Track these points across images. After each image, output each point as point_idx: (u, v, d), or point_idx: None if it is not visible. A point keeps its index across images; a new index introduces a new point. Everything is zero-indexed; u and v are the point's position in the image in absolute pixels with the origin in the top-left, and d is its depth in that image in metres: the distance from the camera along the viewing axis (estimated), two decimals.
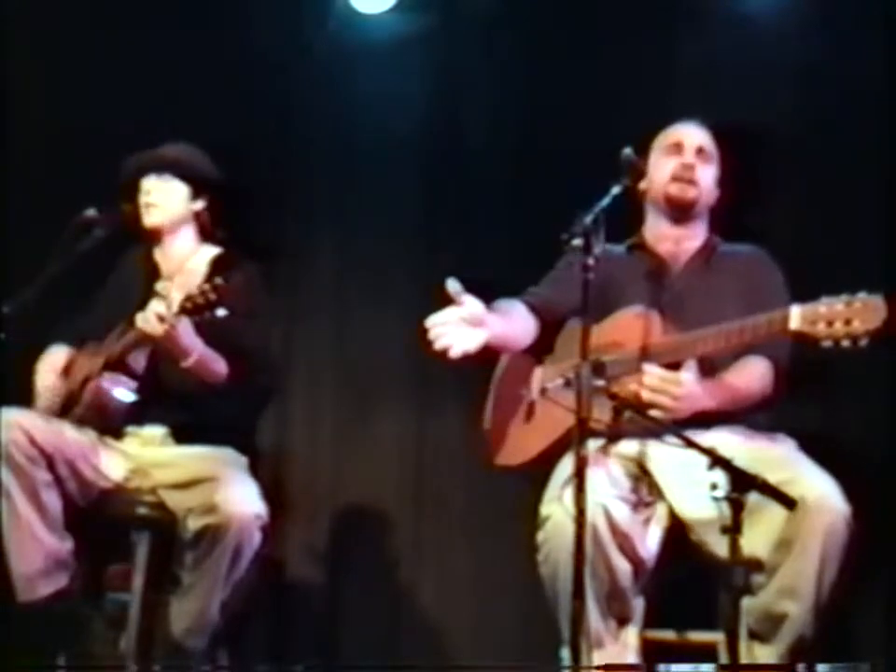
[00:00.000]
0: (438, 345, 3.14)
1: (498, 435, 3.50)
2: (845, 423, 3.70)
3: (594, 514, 3.01)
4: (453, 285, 3.14)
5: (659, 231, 3.54)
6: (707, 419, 3.19)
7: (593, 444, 2.97)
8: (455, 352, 3.13)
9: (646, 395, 3.12)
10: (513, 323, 3.40)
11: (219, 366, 3.62)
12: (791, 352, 3.27)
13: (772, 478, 2.75)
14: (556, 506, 3.09)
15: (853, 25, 3.83)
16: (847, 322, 2.86)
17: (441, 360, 3.13)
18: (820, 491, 3.01)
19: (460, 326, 3.16)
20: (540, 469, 3.29)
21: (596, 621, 3.09)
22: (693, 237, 3.53)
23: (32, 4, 4.35)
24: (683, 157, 3.50)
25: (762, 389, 3.29)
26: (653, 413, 3.09)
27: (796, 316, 2.96)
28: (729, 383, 3.24)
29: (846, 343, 2.87)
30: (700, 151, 3.52)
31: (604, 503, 3.07)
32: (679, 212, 3.50)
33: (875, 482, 3.47)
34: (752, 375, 3.28)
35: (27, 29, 4.35)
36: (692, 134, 3.54)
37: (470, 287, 3.15)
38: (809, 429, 3.38)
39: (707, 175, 3.52)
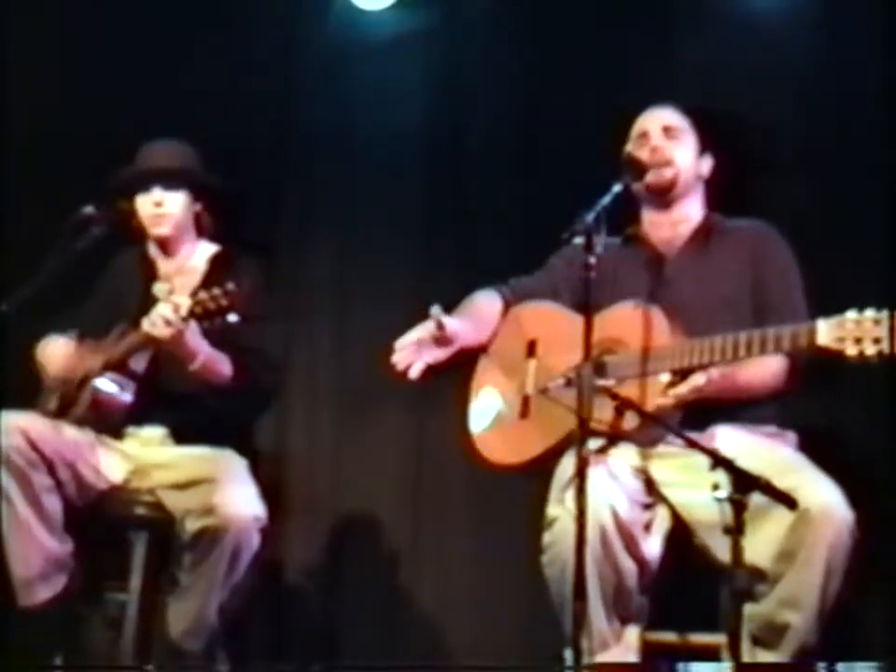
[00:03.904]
0: (399, 368, 3.34)
1: (491, 429, 3.44)
2: (846, 419, 3.68)
3: (601, 514, 3.01)
4: (436, 310, 3.30)
5: (652, 220, 3.53)
6: (710, 413, 3.17)
7: (594, 444, 2.95)
8: (414, 373, 3.31)
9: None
10: (482, 329, 3.49)
11: (224, 367, 3.60)
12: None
13: (776, 485, 2.73)
14: (563, 507, 3.06)
15: (853, 21, 3.80)
16: (877, 341, 2.84)
17: None
18: (825, 500, 2.98)
19: (428, 346, 3.34)
20: (541, 467, 3.26)
21: (601, 622, 3.08)
22: (688, 219, 3.50)
23: (32, 4, 4.33)
24: (651, 142, 3.47)
25: (773, 385, 3.26)
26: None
27: (823, 332, 2.91)
28: (742, 379, 3.20)
29: (874, 360, 2.85)
30: (667, 130, 3.49)
31: (611, 502, 3.06)
32: (663, 196, 3.48)
33: (876, 478, 3.44)
34: (766, 371, 3.24)
35: (27, 28, 4.34)
36: (654, 118, 3.52)
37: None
38: (811, 425, 3.37)
39: (681, 151, 3.49)
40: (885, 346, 2.83)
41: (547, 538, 3.12)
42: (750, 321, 3.23)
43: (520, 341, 3.46)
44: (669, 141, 3.48)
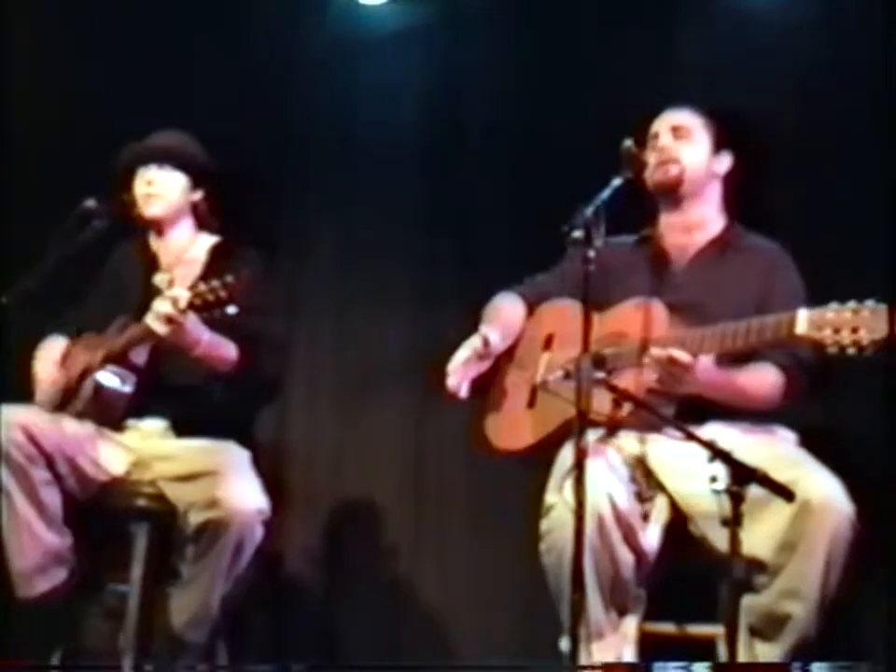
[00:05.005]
0: (451, 391, 3.42)
1: (500, 417, 3.49)
2: (846, 418, 3.69)
3: (599, 503, 3.02)
4: (485, 329, 3.43)
5: (667, 222, 3.52)
6: (705, 411, 3.18)
7: (593, 435, 2.97)
8: (463, 392, 3.41)
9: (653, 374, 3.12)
10: (509, 336, 3.53)
11: (228, 351, 3.60)
12: (809, 369, 3.25)
13: (776, 477, 2.74)
14: (560, 495, 3.07)
15: (853, 19, 3.81)
16: (854, 330, 2.83)
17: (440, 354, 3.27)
18: (825, 492, 2.99)
19: (473, 363, 3.42)
20: (539, 456, 3.29)
21: (598, 611, 3.09)
22: (704, 224, 3.48)
23: (32, 1, 4.34)
24: (659, 142, 3.48)
25: (771, 396, 3.26)
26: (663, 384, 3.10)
27: (803, 320, 2.92)
28: (739, 381, 3.21)
29: (851, 350, 2.84)
30: (675, 130, 3.49)
31: (609, 492, 3.07)
32: (670, 194, 3.48)
33: (875, 476, 3.45)
34: (763, 382, 3.25)
35: (29, 25, 4.34)
36: (666, 119, 3.52)
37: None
38: (811, 425, 3.37)
39: (690, 149, 3.47)
40: (862, 336, 2.83)
41: (544, 525, 3.14)
42: None
43: (539, 336, 3.50)
44: (677, 141, 3.48)
